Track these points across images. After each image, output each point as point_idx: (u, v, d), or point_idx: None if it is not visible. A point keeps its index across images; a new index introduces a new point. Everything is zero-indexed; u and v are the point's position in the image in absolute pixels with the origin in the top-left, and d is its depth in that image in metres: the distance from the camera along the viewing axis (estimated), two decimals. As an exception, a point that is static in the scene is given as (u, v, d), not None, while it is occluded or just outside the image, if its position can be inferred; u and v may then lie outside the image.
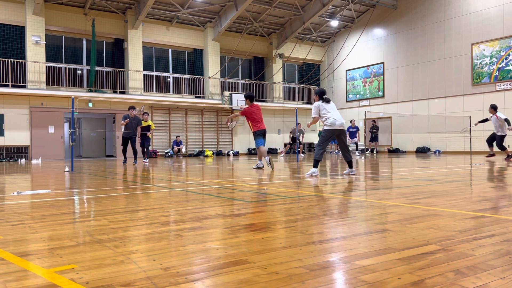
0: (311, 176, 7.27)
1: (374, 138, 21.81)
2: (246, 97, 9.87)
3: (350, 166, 7.55)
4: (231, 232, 2.81)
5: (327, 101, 7.53)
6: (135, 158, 13.46)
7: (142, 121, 13.94)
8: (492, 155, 13.46)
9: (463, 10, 20.68)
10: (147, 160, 14.40)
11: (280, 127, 26.03)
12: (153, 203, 4.37)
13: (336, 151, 21.47)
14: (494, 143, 13.14)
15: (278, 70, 25.70)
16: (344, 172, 7.72)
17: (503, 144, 12.84)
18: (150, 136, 14.35)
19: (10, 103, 18.40)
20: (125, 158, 13.68)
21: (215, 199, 4.59)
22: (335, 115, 7.40)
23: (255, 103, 9.85)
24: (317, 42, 27.61)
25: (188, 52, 23.63)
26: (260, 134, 9.71)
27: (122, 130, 13.13)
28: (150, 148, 14.58)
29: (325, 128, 7.42)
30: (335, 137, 7.55)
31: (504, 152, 12.74)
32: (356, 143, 20.18)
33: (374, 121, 22.88)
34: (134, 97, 20.70)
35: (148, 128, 14.11)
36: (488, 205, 3.82)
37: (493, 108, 12.92)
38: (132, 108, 13.22)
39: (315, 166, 7.44)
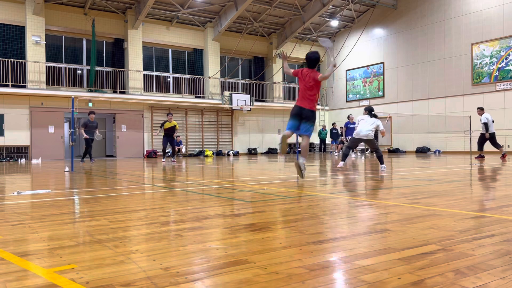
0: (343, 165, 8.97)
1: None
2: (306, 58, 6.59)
3: (382, 162, 8.70)
4: (231, 232, 2.81)
5: (370, 115, 9.01)
6: (90, 157, 14.77)
7: (167, 122, 14.65)
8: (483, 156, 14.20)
9: (463, 10, 20.68)
10: (175, 159, 15.20)
11: (280, 127, 26.00)
12: (153, 203, 4.37)
13: (336, 151, 21.47)
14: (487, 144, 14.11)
15: (278, 70, 25.70)
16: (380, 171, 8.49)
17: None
18: (175, 137, 15.13)
19: (10, 103, 18.40)
20: (91, 157, 14.90)
21: (215, 199, 4.58)
22: (361, 127, 8.91)
23: (307, 68, 6.50)
24: (317, 42, 27.60)
25: (188, 52, 23.63)
26: (293, 114, 6.39)
27: (84, 135, 14.24)
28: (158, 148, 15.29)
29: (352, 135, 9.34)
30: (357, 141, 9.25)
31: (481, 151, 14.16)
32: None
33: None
34: (134, 97, 20.72)
35: (173, 128, 14.66)
36: (488, 205, 3.81)
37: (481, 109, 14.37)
38: (91, 112, 14.55)
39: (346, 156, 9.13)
